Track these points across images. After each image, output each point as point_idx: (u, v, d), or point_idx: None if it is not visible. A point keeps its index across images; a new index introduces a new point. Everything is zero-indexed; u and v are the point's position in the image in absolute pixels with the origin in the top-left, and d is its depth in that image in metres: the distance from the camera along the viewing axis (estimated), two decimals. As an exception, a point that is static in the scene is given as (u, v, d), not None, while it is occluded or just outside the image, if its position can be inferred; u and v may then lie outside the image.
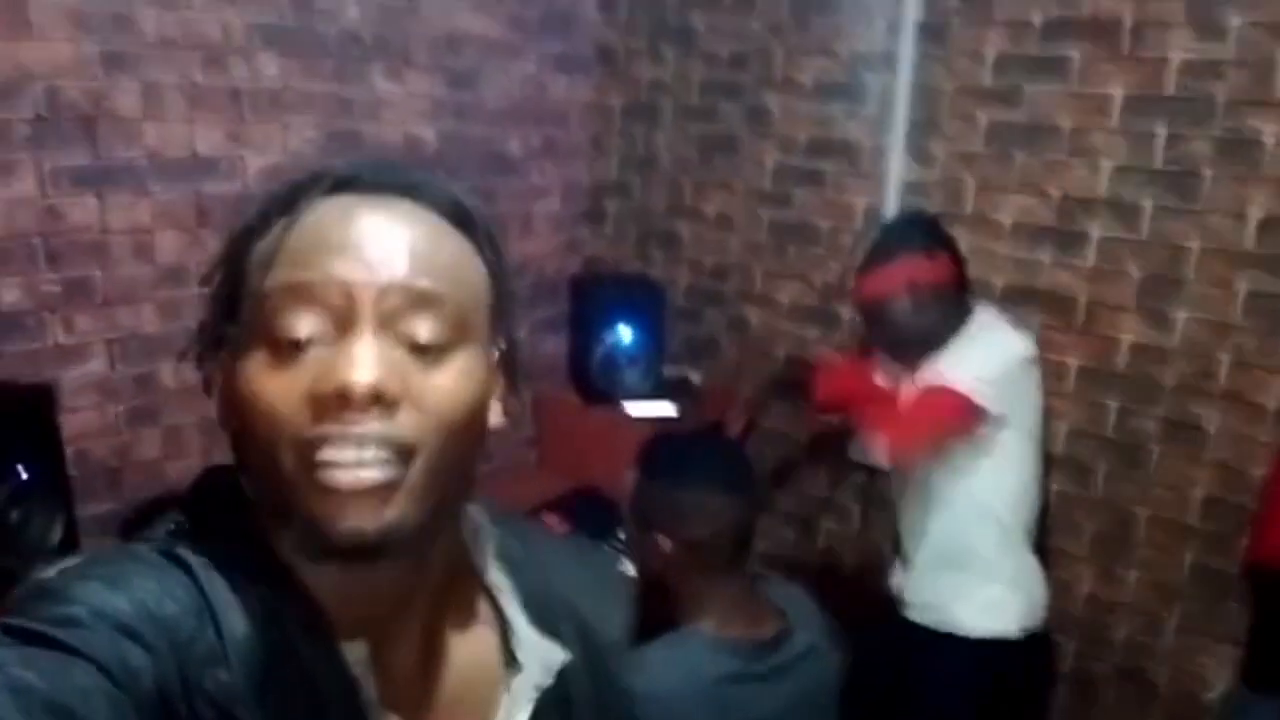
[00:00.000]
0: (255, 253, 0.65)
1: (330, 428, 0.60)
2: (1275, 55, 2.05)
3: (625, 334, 2.86)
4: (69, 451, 1.94)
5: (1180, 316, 2.24)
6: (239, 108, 2.24)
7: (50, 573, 0.62)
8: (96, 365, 2.11)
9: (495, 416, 0.70)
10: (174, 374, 2.21)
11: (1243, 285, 2.15)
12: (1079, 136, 2.32)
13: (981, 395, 2.00)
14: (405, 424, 0.61)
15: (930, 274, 2.12)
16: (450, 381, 0.64)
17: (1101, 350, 2.36)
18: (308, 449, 0.60)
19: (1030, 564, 2.20)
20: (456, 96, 2.64)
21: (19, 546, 1.72)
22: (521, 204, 2.87)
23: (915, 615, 2.23)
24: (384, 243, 0.63)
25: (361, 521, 0.60)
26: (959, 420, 2.02)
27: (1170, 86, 2.18)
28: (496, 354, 0.70)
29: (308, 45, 2.34)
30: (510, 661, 0.75)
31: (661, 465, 1.58)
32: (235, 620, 0.62)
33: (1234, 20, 2.08)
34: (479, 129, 2.70)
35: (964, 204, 2.52)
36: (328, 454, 0.60)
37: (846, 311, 2.80)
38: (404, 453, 0.61)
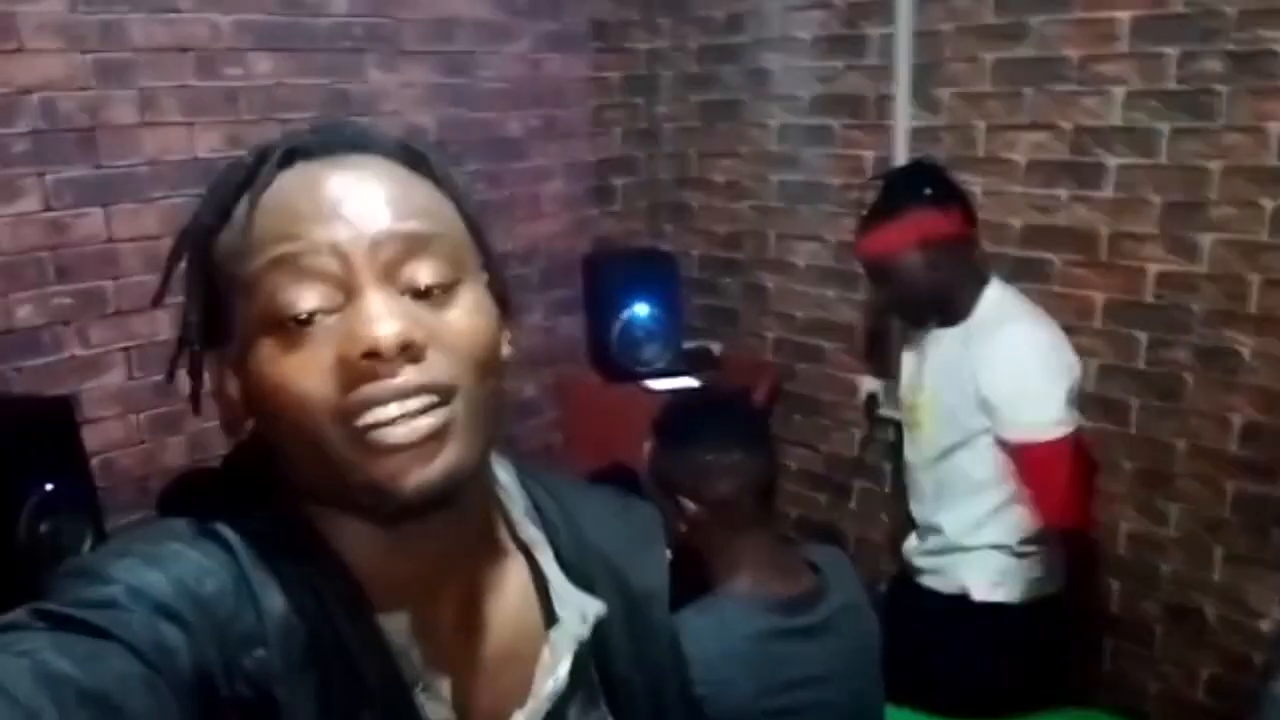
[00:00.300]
0: (221, 245, 0.63)
1: (368, 390, 0.59)
2: (1285, -39, 1.99)
3: (642, 310, 2.83)
4: (94, 463, 1.95)
5: (1206, 241, 2.18)
6: (235, 108, 2.23)
7: (90, 553, 0.63)
8: (115, 375, 2.12)
9: (504, 348, 0.69)
10: (193, 380, 2.21)
11: (1268, 203, 2.09)
12: (1087, 65, 2.27)
13: (1069, 424, 1.99)
14: (437, 366, 0.61)
15: (944, 227, 2.06)
16: (464, 317, 0.63)
17: (1127, 282, 2.31)
18: (350, 417, 0.59)
19: (1043, 535, 2.12)
20: (452, 82, 2.62)
21: (51, 559, 1.72)
22: (527, 186, 2.84)
23: (928, 581, 2.21)
24: (358, 198, 0.62)
25: (426, 473, 0.60)
26: (1079, 461, 2.02)
27: (1178, 3, 2.12)
28: (487, 287, 0.69)
29: (298, 41, 2.32)
30: (549, 616, 0.74)
31: (677, 429, 1.56)
32: (274, 598, 0.61)
33: (1239, -70, 2.02)
34: (478, 113, 2.67)
35: (975, 147, 2.47)
36: (372, 416, 0.59)
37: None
38: (444, 394, 0.61)
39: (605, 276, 2.91)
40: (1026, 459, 2.00)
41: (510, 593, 0.74)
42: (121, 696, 0.53)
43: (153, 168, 2.11)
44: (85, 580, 0.59)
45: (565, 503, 0.80)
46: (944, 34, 2.47)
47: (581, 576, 0.76)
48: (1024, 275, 2.43)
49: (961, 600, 2.11)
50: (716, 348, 3.05)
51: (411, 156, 0.67)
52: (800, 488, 3.00)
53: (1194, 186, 2.18)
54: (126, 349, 2.12)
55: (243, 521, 0.64)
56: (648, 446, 1.59)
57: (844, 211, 2.76)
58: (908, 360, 2.32)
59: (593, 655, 0.75)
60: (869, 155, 2.68)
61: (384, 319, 0.59)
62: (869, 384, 2.80)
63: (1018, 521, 2.08)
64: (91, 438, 1.98)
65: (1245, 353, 2.18)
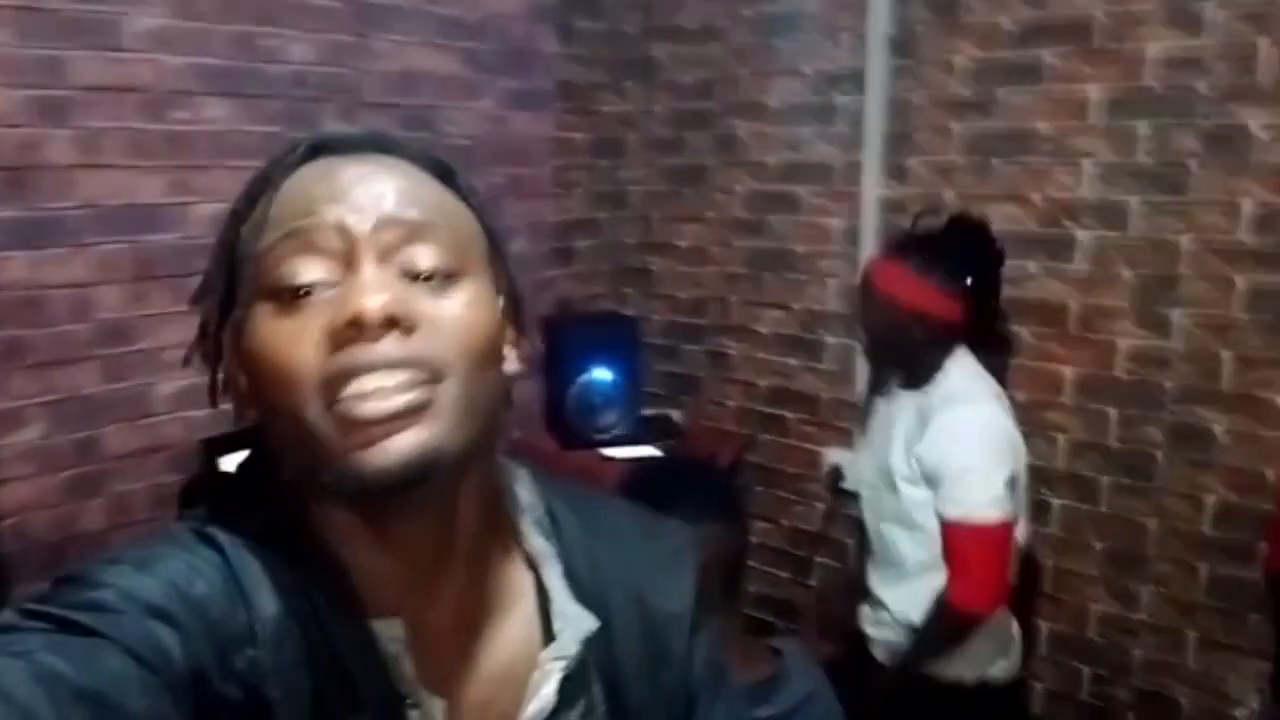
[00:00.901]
0: (244, 231, 0.66)
1: (350, 358, 0.59)
2: (1256, 44, 1.99)
3: (601, 374, 2.74)
4: (4, 525, 1.79)
5: (1177, 316, 2.15)
6: (181, 153, 2.12)
7: (81, 562, 0.62)
8: (33, 431, 1.96)
9: (511, 363, 0.70)
10: (120, 438, 2.07)
11: (1240, 280, 2.07)
12: (1059, 139, 2.26)
13: (1006, 509, 1.90)
14: (425, 344, 0.61)
15: (950, 315, 1.99)
16: (460, 306, 0.64)
17: (1098, 357, 2.27)
18: (331, 387, 0.59)
19: (1004, 620, 2.05)
20: (414, 136, 2.53)
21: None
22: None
23: (879, 653, 2.11)
24: (370, 186, 0.64)
25: (395, 447, 0.59)
26: (1006, 550, 1.93)
27: (1150, 82, 2.12)
28: (502, 304, 0.69)
29: (253, 86, 2.24)
30: (548, 632, 0.72)
31: (647, 494, 1.47)
32: (266, 599, 0.61)
33: (1211, 12, 2.03)
34: (439, 168, 2.59)
35: (945, 218, 2.43)
36: (352, 387, 0.59)
37: (830, 338, 2.70)
38: (430, 372, 0.60)
39: (564, 339, 2.82)
40: (954, 536, 1.92)
41: (512, 608, 0.72)
42: (118, 695, 0.53)
43: (88, 212, 1.99)
44: (76, 586, 0.59)
45: (587, 518, 0.77)
46: (914, 104, 2.46)
47: (594, 594, 0.73)
48: (995, 348, 2.38)
49: (911, 678, 2.02)
50: (677, 415, 2.96)
51: (437, 166, 0.69)
52: (761, 562, 2.89)
53: (1165, 261, 2.16)
54: (47, 404, 1.97)
55: (236, 524, 0.64)
56: None
57: (809, 280, 2.71)
58: (871, 426, 2.22)
59: (600, 677, 0.72)
60: (836, 224, 2.64)
61: (373, 289, 0.60)
62: (832, 456, 2.71)
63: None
64: (3, 498, 1.83)
65: (1218, 431, 2.14)
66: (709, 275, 2.93)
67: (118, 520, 2.08)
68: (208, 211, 2.18)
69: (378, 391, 0.59)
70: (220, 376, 0.67)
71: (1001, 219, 2.35)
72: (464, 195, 0.69)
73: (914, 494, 2.00)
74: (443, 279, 0.63)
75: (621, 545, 0.77)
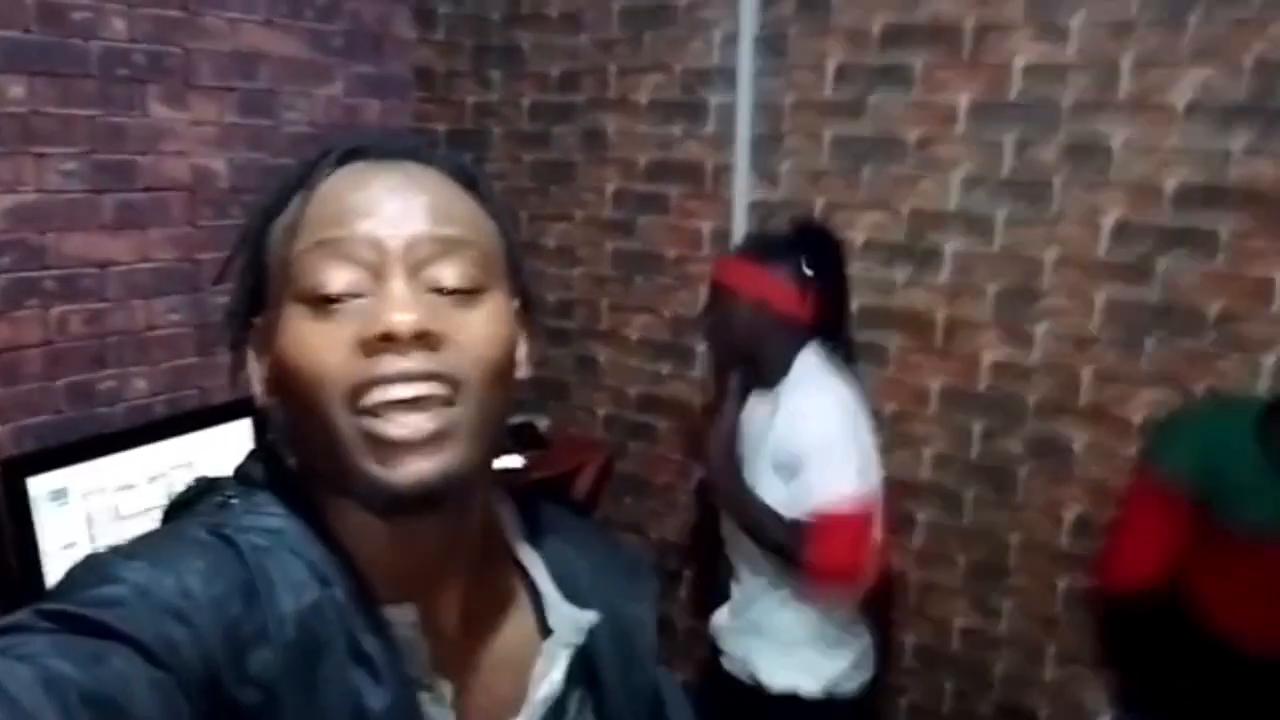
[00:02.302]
0: (275, 229, 0.68)
1: (379, 367, 0.61)
2: (1117, 57, 1.98)
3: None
4: None
5: (1039, 331, 2.15)
6: (-25, 138, 1.89)
7: (100, 552, 0.62)
8: None
9: (522, 368, 0.72)
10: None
11: (1099, 295, 2.07)
12: (926, 148, 2.22)
13: (864, 493, 1.85)
14: (450, 360, 0.63)
15: (792, 307, 1.94)
16: (483, 323, 0.66)
17: (962, 370, 2.25)
18: (357, 394, 0.62)
19: (859, 632, 2.03)
20: (251, 123, 2.35)
21: None
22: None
23: (728, 665, 2.07)
24: (404, 200, 0.66)
25: (423, 470, 0.62)
26: (868, 533, 1.87)
27: (1015, 92, 2.10)
28: (515, 307, 0.72)
29: (62, 64, 2.01)
30: (543, 629, 0.77)
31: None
32: (282, 597, 0.62)
33: (1074, 21, 2.01)
34: (279, 159, 2.40)
35: (844, 246, 2.37)
36: (378, 396, 0.61)
37: (700, 345, 2.62)
38: (452, 388, 0.63)
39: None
40: (816, 525, 1.85)
41: (507, 604, 0.77)
42: (126, 697, 0.53)
43: None
44: (93, 579, 0.59)
45: (558, 529, 0.83)
46: (784, 106, 2.39)
47: (573, 595, 0.78)
48: (861, 358, 2.33)
49: (756, 692, 1.98)
50: (543, 423, 2.84)
51: (464, 175, 0.71)
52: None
53: (1028, 275, 2.14)
54: None
55: (250, 521, 0.66)
56: None
57: (679, 284, 2.63)
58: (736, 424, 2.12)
59: (584, 668, 0.77)
60: (706, 226, 2.56)
61: (405, 306, 0.62)
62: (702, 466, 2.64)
63: (820, 611, 1.94)
64: None
65: (1077, 447, 2.14)
66: (578, 277, 2.81)
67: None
68: (11, 203, 1.95)
69: (405, 404, 0.62)
70: (247, 366, 0.71)
71: (869, 227, 2.31)
72: (487, 204, 0.72)
73: (768, 490, 1.93)
74: (467, 295, 0.66)
75: (590, 553, 0.82)
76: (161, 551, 0.62)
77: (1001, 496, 2.24)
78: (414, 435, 0.61)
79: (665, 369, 2.71)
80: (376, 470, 0.62)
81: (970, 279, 2.21)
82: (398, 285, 0.64)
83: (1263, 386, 1.92)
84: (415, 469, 0.61)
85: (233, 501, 0.68)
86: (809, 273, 1.94)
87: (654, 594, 0.88)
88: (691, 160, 2.56)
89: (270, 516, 0.67)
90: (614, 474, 2.81)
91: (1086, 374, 2.11)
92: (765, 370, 2.00)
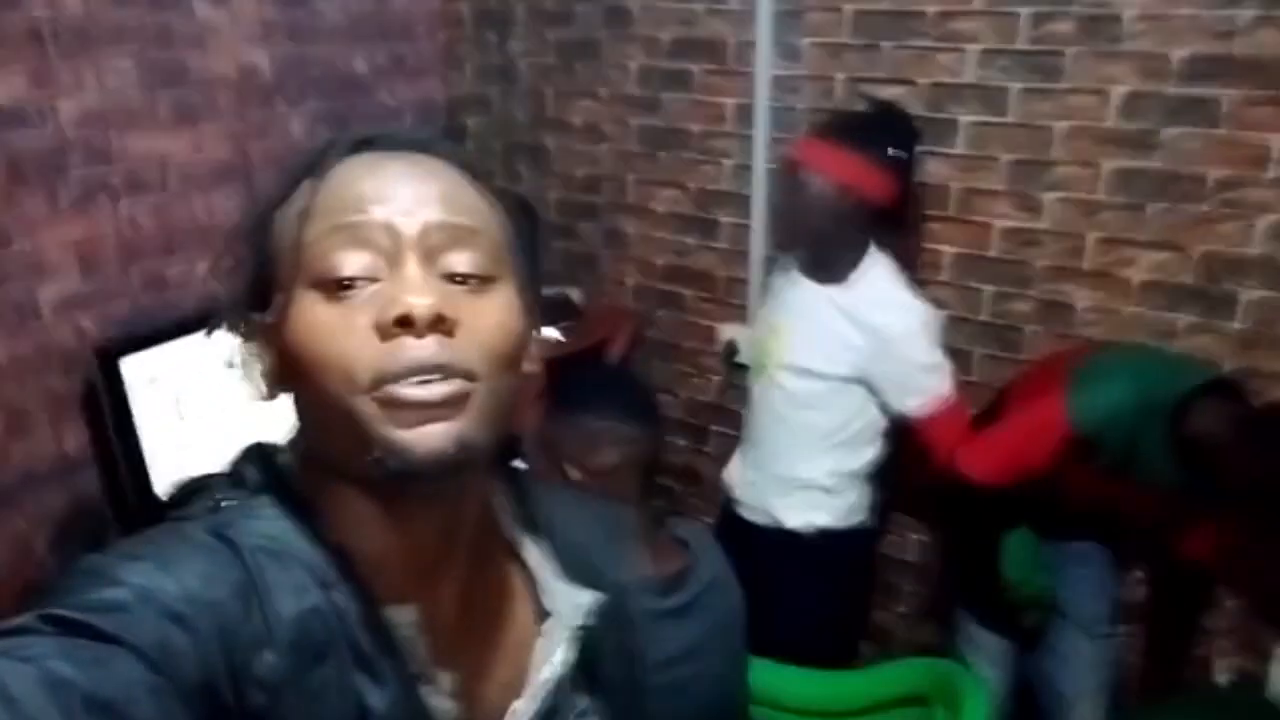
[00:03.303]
0: (285, 215, 0.68)
1: (398, 352, 0.62)
2: (1130, -71, 2.04)
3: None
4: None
5: (1049, 199, 2.27)
6: (41, 48, 1.98)
7: (102, 553, 0.63)
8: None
9: (530, 364, 0.73)
10: (6, 348, 2.01)
11: (1106, 163, 2.19)
12: (944, 21, 2.29)
13: (954, 385, 2.10)
14: (464, 347, 0.64)
15: (876, 191, 2.04)
16: (496, 311, 0.67)
17: (975, 237, 2.38)
18: (378, 378, 0.62)
19: (865, 477, 2.25)
20: (290, 16, 2.42)
21: None
22: (374, 126, 2.68)
23: (747, 514, 2.31)
24: (417, 187, 0.67)
25: (442, 434, 0.63)
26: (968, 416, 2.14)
27: (1031, -35, 2.16)
28: (522, 297, 0.72)
29: (112, -33, 2.09)
30: (540, 610, 0.79)
31: (570, 395, 1.54)
32: (283, 599, 0.63)
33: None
34: (319, 50, 2.49)
35: (834, 98, 2.47)
36: (395, 382, 0.62)
37: (724, 217, 2.75)
38: (466, 376, 0.64)
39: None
40: (937, 425, 2.10)
41: (504, 589, 0.78)
42: (126, 702, 0.54)
43: (-56, 114, 1.87)
44: (96, 582, 0.59)
45: (544, 503, 0.84)
46: (805, -20, 2.44)
47: (567, 571, 0.80)
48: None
49: (775, 530, 2.23)
50: (576, 295, 3.00)
51: (473, 167, 0.72)
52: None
53: (1039, 146, 2.25)
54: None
55: (251, 522, 0.66)
56: (535, 409, 1.56)
57: (704, 159, 2.74)
58: (775, 298, 2.33)
59: (585, 648, 0.79)
60: (729, 103, 2.65)
61: (421, 290, 0.63)
62: (727, 331, 2.81)
63: (841, 461, 2.19)
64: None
65: (1080, 306, 2.29)
66: (604, 153, 2.92)
67: (14, 430, 2.04)
68: (76, 108, 2.07)
69: (421, 383, 0.63)
70: (251, 355, 0.70)
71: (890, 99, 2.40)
72: (494, 195, 0.73)
73: (831, 380, 2.13)
74: (479, 283, 0.67)
75: (575, 525, 0.84)
76: (163, 553, 0.62)
77: (1007, 355, 2.41)
78: (433, 397, 0.63)
79: (691, 240, 2.84)
80: (397, 435, 0.62)
81: (985, 150, 2.32)
82: (413, 270, 0.65)
83: (1257, 249, 2.05)
84: (434, 432, 0.63)
85: (227, 505, 0.69)
86: (896, 157, 2.02)
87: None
88: (714, 37, 2.63)
89: (268, 519, 0.67)
90: (644, 340, 2.99)
91: (1092, 239, 2.24)
92: (833, 259, 2.10)
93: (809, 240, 2.13)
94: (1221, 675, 2.28)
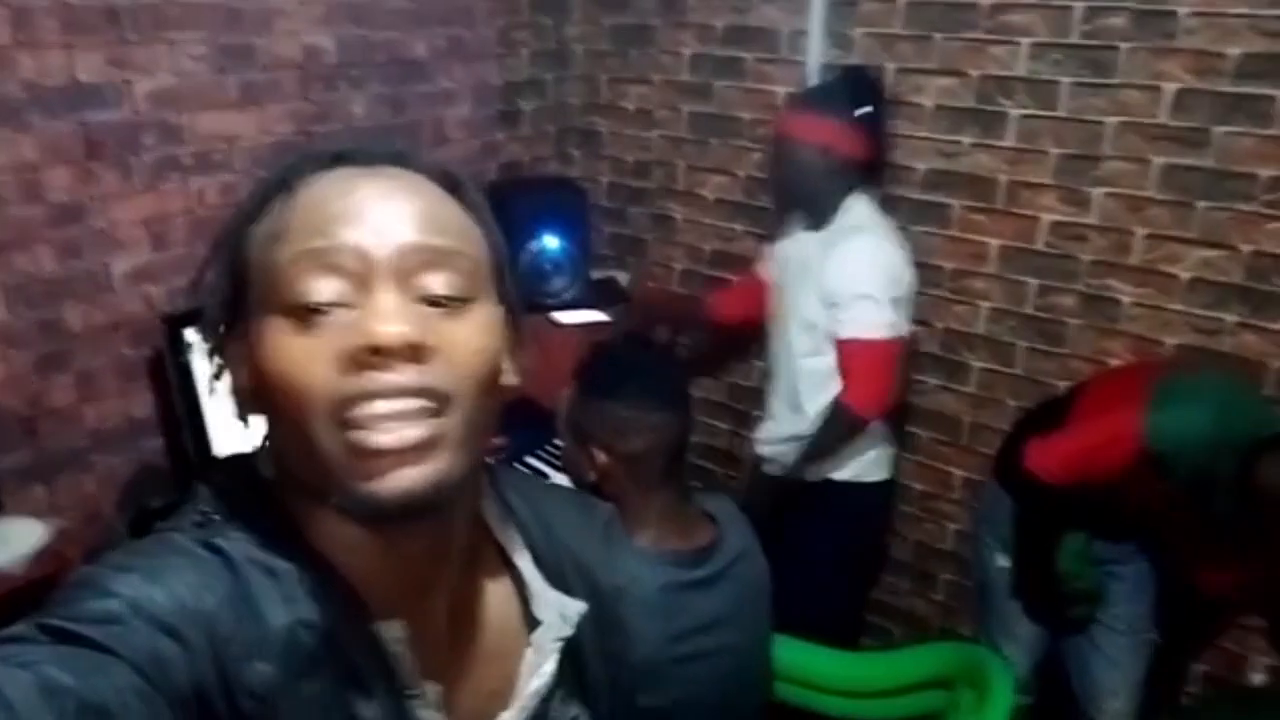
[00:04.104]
0: (257, 233, 0.66)
1: (365, 382, 0.61)
2: (1188, -75, 2.03)
3: (551, 242, 2.80)
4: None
5: (1097, 193, 2.27)
6: (119, 28, 2.07)
7: (93, 564, 0.63)
8: (-5, 312, 2.01)
9: (509, 376, 0.72)
10: (81, 316, 2.12)
11: (1157, 159, 2.18)
12: (997, 13, 2.29)
13: (897, 329, 2.23)
14: (438, 372, 0.63)
15: (852, 148, 2.26)
16: (471, 333, 0.66)
17: (1022, 230, 2.39)
18: (343, 408, 0.61)
19: (878, 430, 2.39)
20: (353, 0, 2.49)
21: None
22: (432, 110, 2.75)
23: (769, 469, 2.45)
24: (390, 207, 0.65)
25: (410, 480, 0.61)
26: (895, 364, 2.28)
27: (1086, -40, 2.15)
28: (501, 311, 0.71)
29: (187, -47, 2.17)
30: (528, 616, 0.78)
31: (600, 380, 1.59)
32: (274, 610, 0.63)
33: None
34: (381, 33, 2.55)
35: (887, 85, 2.48)
36: (364, 410, 0.61)
37: (771, 203, 2.78)
38: (439, 401, 0.62)
39: (512, 204, 2.85)
40: (849, 353, 2.25)
41: (493, 597, 0.77)
42: (120, 709, 0.54)
43: (29, 93, 1.96)
44: (88, 593, 0.60)
45: (533, 503, 0.83)
46: (859, -29, 2.46)
47: (556, 576, 0.80)
48: (924, 219, 2.49)
49: (795, 483, 2.38)
50: (624, 278, 3.05)
51: (448, 180, 0.71)
52: (703, 416, 3.06)
53: (1089, 140, 2.25)
54: (7, 287, 2.00)
55: (241, 534, 0.66)
56: (566, 393, 1.62)
57: (754, 146, 2.77)
58: (782, 261, 2.45)
59: (570, 653, 0.79)
60: (780, 91, 2.67)
61: (393, 318, 0.61)
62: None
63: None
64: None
65: (1125, 301, 2.29)
66: (655, 139, 2.96)
67: (86, 395, 2.16)
68: (150, 87, 2.16)
69: (392, 419, 0.61)
70: (223, 373, 0.70)
71: (939, 92, 2.42)
72: (472, 210, 0.71)
73: (819, 322, 2.29)
74: (456, 304, 0.65)
75: (565, 526, 0.84)
76: (153, 564, 0.62)
77: (1053, 349, 2.42)
78: (400, 444, 0.61)
79: (739, 227, 2.88)
80: (362, 484, 0.61)
81: (1034, 143, 2.32)
82: (385, 296, 0.62)
83: (1306, 248, 2.04)
84: (402, 479, 0.61)
85: (214, 518, 0.68)
86: (862, 115, 2.24)
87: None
88: (767, 25, 2.65)
89: (255, 531, 0.66)
90: (697, 325, 3.02)
91: (1139, 234, 2.24)
92: (818, 211, 2.31)
93: (801, 200, 2.36)
94: (1256, 675, 2.28)
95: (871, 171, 2.38)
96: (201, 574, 0.62)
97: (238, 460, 0.72)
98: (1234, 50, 2.03)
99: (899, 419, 2.59)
